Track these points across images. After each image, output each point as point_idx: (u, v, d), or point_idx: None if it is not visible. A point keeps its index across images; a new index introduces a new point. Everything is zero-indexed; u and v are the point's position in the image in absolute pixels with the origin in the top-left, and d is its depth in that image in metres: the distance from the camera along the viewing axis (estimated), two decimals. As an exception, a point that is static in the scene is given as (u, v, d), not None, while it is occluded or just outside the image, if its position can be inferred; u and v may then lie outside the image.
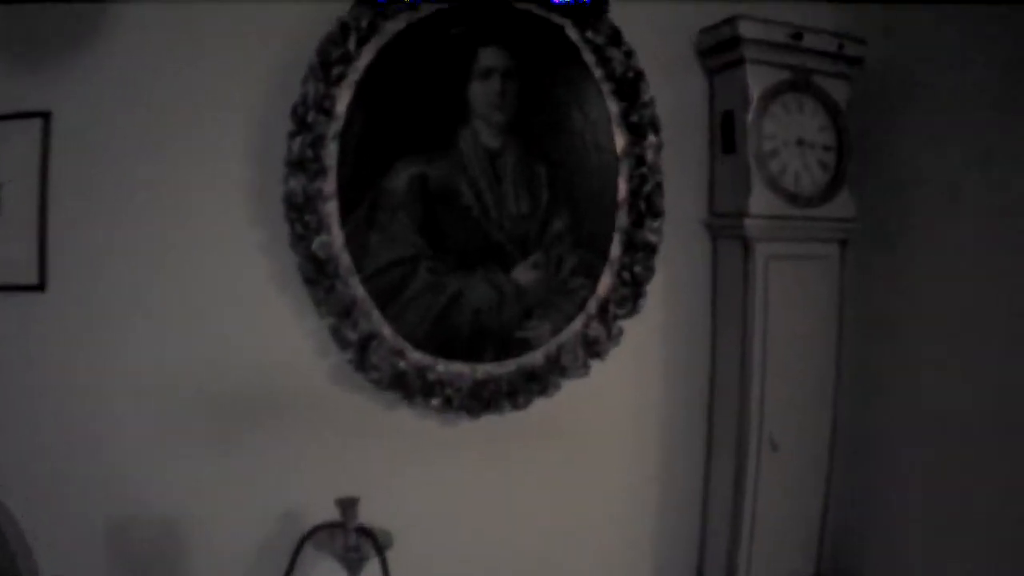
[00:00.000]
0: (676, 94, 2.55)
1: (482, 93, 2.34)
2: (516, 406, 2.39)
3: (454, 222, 2.31)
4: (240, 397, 2.18)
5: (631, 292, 2.46)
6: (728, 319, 2.53)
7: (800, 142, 2.50)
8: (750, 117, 2.44)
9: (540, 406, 2.41)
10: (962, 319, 2.37)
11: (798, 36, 2.48)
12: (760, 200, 2.43)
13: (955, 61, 2.44)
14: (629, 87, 2.46)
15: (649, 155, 2.46)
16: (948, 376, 2.40)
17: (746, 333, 2.43)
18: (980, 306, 2.32)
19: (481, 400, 2.36)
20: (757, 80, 2.46)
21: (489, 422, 2.37)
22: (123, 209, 2.10)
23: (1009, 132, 2.27)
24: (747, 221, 2.41)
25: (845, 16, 2.70)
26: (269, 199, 2.17)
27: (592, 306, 2.44)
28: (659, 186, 2.47)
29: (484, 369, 2.37)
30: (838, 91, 2.56)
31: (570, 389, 2.43)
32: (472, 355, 2.36)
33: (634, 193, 2.46)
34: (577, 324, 2.42)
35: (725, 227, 2.52)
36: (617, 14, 2.44)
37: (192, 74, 2.13)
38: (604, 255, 2.45)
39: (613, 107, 2.46)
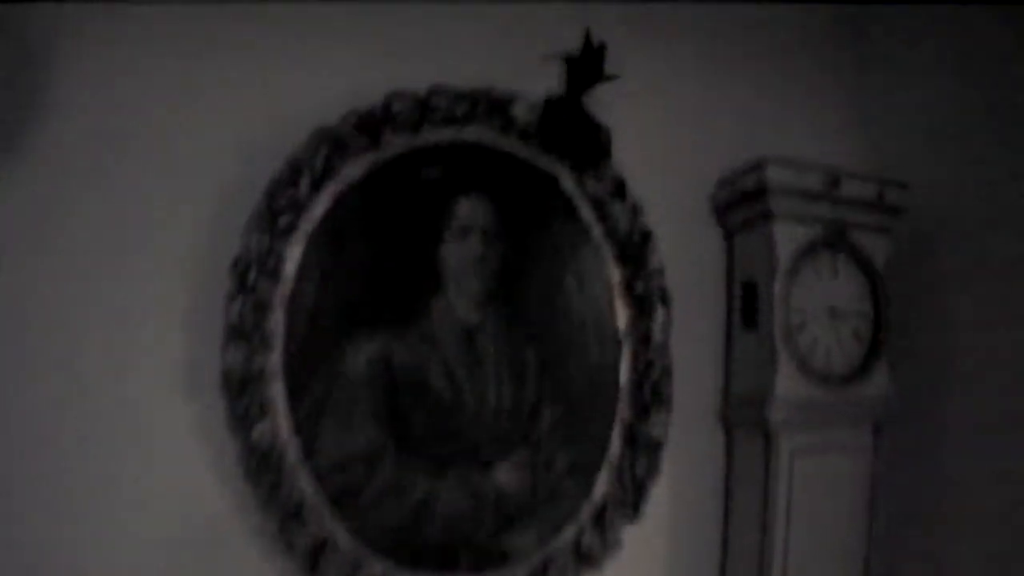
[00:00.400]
0: (688, 259, 2.18)
1: (458, 255, 1.97)
2: None
3: (423, 413, 1.94)
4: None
5: (632, 495, 2.10)
6: (743, 524, 2.18)
7: (832, 312, 2.13)
8: (778, 286, 2.07)
9: None
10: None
11: (835, 183, 2.10)
12: (787, 381, 2.05)
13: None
14: (635, 250, 2.09)
15: (657, 334, 2.09)
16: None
17: (765, 540, 2.08)
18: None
19: None
20: (787, 239, 2.08)
21: None
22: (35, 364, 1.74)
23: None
24: (771, 408, 2.05)
25: (883, 154, 2.32)
26: (207, 372, 1.81)
27: (586, 512, 2.08)
28: (667, 371, 2.11)
29: None
30: (877, 248, 2.18)
31: (559, 606, 2.09)
32: (445, 568, 1.99)
33: (638, 380, 2.09)
34: (568, 533, 2.06)
35: (743, 416, 2.16)
36: (624, 160, 2.05)
37: (120, 205, 1.79)
38: (602, 453, 2.08)
39: (615, 274, 2.09)
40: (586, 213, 2.07)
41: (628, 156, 2.08)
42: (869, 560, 2.21)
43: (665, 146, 2.18)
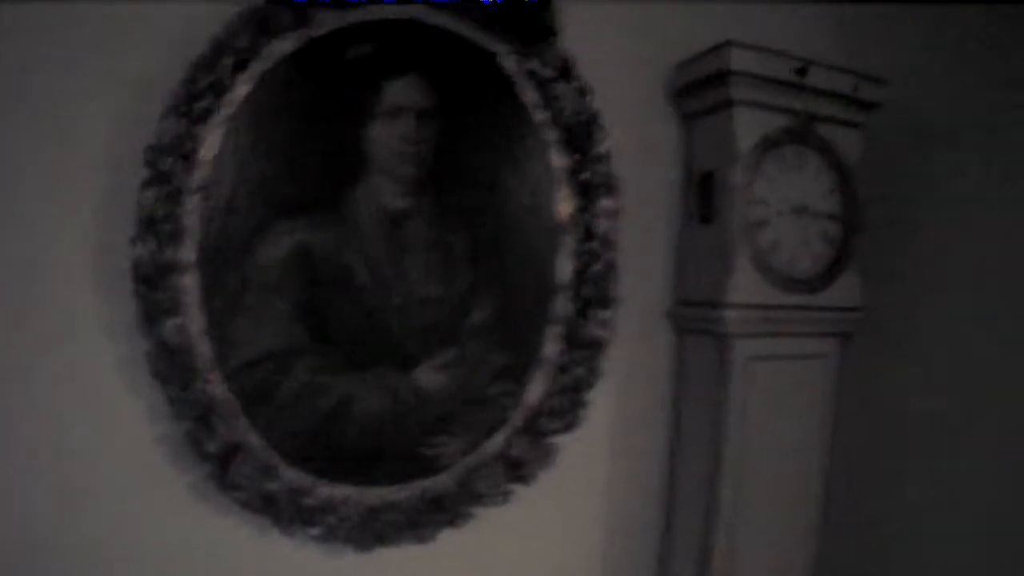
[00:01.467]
0: (642, 146, 1.99)
1: (387, 137, 1.79)
2: (419, 539, 1.88)
3: (343, 307, 1.76)
4: (73, 517, 1.67)
5: (570, 401, 1.92)
6: (695, 436, 1.99)
7: (799, 210, 1.94)
8: (737, 177, 1.88)
9: (449, 540, 1.89)
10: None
11: (802, 71, 1.91)
12: (744, 284, 1.87)
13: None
14: (580, 135, 1.91)
15: (601, 225, 1.91)
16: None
17: (717, 454, 1.89)
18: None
19: (373, 532, 1.84)
20: (749, 128, 1.89)
21: (384, 558, 1.86)
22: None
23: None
24: (726, 312, 1.86)
25: (861, 46, 2.13)
26: (118, 267, 1.64)
27: (517, 418, 1.90)
28: (612, 266, 1.92)
29: (378, 494, 1.84)
30: (849, 144, 1.99)
31: (487, 520, 1.91)
32: (363, 476, 1.83)
33: (580, 274, 1.91)
34: (497, 441, 1.89)
35: (696, 319, 1.97)
36: (572, 38, 1.88)
37: (32, 97, 1.61)
38: (536, 353, 1.90)
39: (559, 161, 1.91)
40: (529, 95, 1.89)
41: (579, 34, 1.90)
42: (829, 475, 2.02)
43: (620, 25, 1.98)
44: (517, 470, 1.91)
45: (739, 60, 1.86)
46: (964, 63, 2.09)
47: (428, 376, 1.85)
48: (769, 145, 1.91)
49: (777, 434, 1.93)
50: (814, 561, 2.02)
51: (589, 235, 1.91)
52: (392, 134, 1.80)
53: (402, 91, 1.82)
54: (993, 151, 2.02)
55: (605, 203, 1.90)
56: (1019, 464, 1.96)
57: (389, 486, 1.85)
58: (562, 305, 1.91)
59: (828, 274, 1.96)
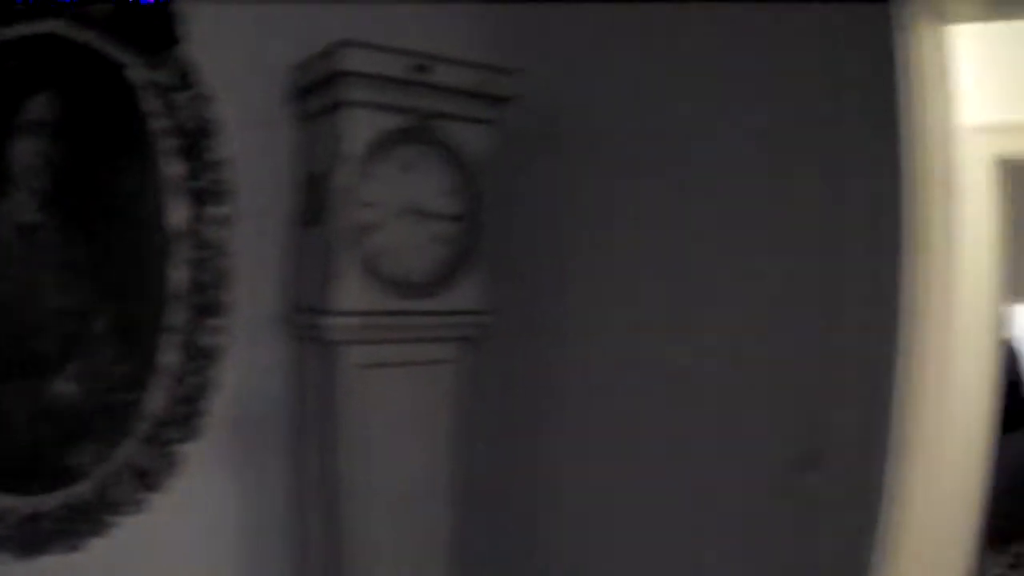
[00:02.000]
0: (262, 151, 1.97)
1: (25, 153, 1.84)
2: (72, 548, 1.90)
3: (-18, 319, 1.83)
4: None
5: (188, 410, 1.92)
6: (314, 445, 1.95)
7: (416, 211, 1.88)
8: (341, 179, 1.83)
9: (97, 549, 1.90)
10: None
11: (422, 68, 1.85)
12: (350, 289, 1.82)
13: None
14: (196, 143, 1.91)
15: (213, 232, 1.91)
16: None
17: (334, 463, 1.86)
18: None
19: (31, 540, 1.87)
20: (359, 128, 1.84)
21: (46, 565, 1.88)
22: None
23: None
24: (331, 319, 1.83)
25: (501, 41, 2.05)
26: None
27: (141, 428, 1.91)
28: (224, 273, 1.91)
29: (31, 503, 1.86)
30: (475, 142, 1.91)
31: (128, 529, 1.92)
32: (19, 485, 1.85)
33: (193, 283, 1.91)
34: (124, 451, 1.91)
35: (307, 326, 1.93)
36: (198, 44, 1.89)
37: None
38: (152, 363, 1.92)
39: (175, 169, 1.91)
40: (150, 104, 1.89)
41: (204, 40, 1.88)
42: (462, 480, 1.95)
43: (245, 28, 1.94)
44: (145, 479, 1.93)
45: (351, 60, 1.82)
46: (605, 56, 1.99)
47: (62, 386, 1.88)
48: (383, 146, 1.86)
49: (400, 441, 1.88)
50: (451, 562, 1.96)
51: (202, 243, 1.90)
52: (29, 150, 1.85)
53: (39, 107, 1.86)
54: (631, 146, 1.93)
55: (216, 210, 1.90)
56: (669, 461, 1.90)
57: (40, 495, 1.88)
58: (176, 314, 1.91)
59: (448, 277, 1.89)
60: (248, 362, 1.97)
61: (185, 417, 1.92)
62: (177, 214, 1.91)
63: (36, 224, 1.84)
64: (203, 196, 1.91)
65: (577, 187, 2.03)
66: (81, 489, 1.90)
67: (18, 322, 1.83)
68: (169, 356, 1.92)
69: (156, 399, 1.92)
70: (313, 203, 1.92)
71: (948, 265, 1.81)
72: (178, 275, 1.91)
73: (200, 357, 1.92)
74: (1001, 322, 4.57)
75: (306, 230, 1.95)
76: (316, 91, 1.93)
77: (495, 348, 2.01)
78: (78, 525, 1.90)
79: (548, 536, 2.13)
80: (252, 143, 1.95)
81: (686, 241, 1.88)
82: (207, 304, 1.92)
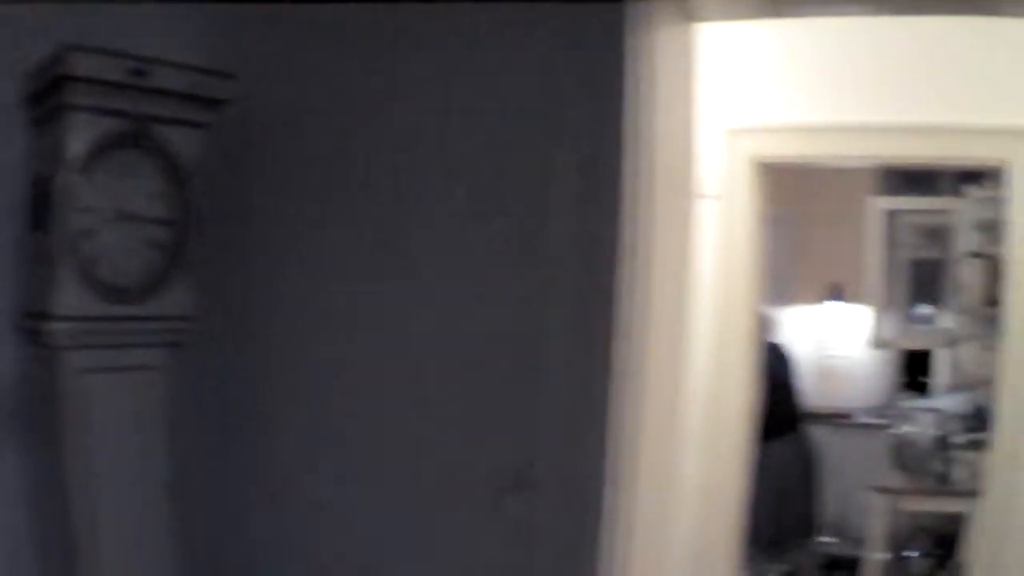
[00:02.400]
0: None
1: None
2: None
3: None
4: None
5: None
6: (47, 444, 1.91)
7: (129, 216, 1.90)
8: (63, 183, 1.78)
9: None
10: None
11: (140, 72, 1.85)
12: (68, 295, 1.80)
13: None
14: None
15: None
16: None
17: (64, 470, 1.86)
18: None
19: None
20: (80, 133, 1.81)
21: None
22: None
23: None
24: (52, 324, 1.79)
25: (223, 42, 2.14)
26: None
27: None
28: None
29: None
30: (188, 145, 1.98)
31: None
32: None
33: None
34: None
35: (33, 331, 1.88)
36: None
37: None
38: None
39: None
40: None
41: None
42: (174, 476, 2.06)
43: None
44: None
45: (73, 64, 1.76)
46: (319, 62, 2.16)
47: None
48: (102, 150, 1.83)
49: (121, 441, 1.93)
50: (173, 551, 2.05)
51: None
52: None
53: None
54: (343, 151, 2.12)
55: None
56: (379, 470, 2.07)
57: None
58: None
59: (157, 283, 1.95)
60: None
61: None
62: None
63: None
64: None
65: (290, 192, 2.15)
66: None
67: None
68: None
69: None
70: (39, 208, 1.83)
71: (683, 272, 1.88)
72: None
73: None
74: (764, 326, 4.17)
75: (33, 235, 1.85)
76: (44, 96, 1.85)
77: (210, 350, 2.09)
78: None
79: (263, 527, 2.22)
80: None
81: (399, 249, 2.03)
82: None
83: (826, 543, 4.71)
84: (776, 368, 4.30)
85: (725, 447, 3.10)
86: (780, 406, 4.18)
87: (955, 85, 2.90)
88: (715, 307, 3.03)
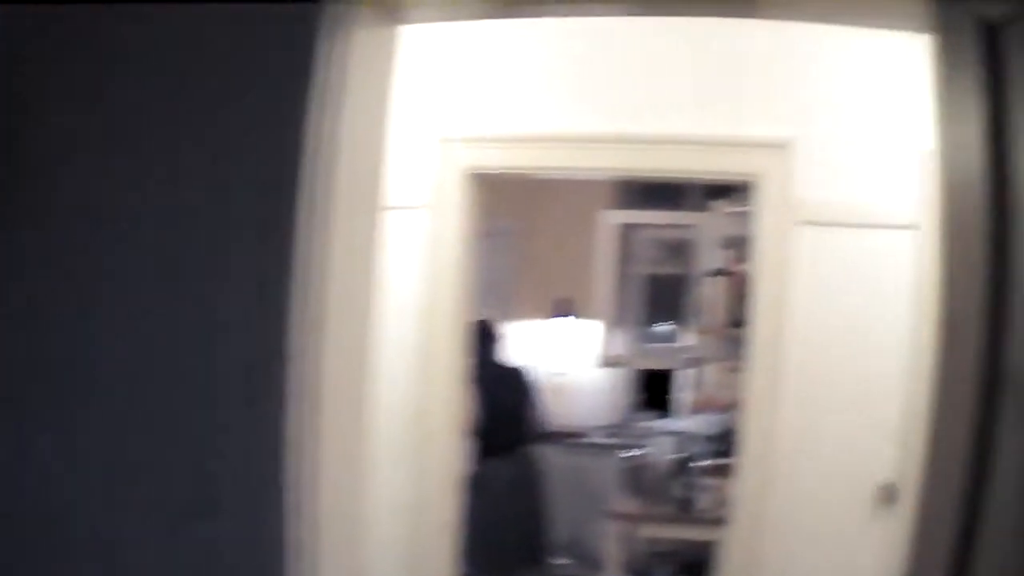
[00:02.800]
0: None
1: None
2: None
3: None
4: None
5: None
6: None
7: None
8: None
9: None
10: None
11: None
12: None
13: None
14: None
15: None
16: None
17: None
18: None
19: None
20: None
21: None
22: None
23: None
24: None
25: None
26: None
27: None
28: None
29: None
30: None
31: None
32: None
33: None
34: None
35: None
36: None
37: None
38: None
39: None
40: None
41: None
42: None
43: None
44: None
45: None
46: None
47: None
48: None
49: None
50: None
51: None
52: None
53: None
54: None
55: None
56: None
57: None
58: None
59: None
60: None
61: None
62: None
63: None
64: None
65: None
66: None
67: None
68: None
69: None
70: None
71: (366, 289, 1.75)
72: None
73: None
74: (488, 341, 4.19)
75: None
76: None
77: None
78: None
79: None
80: None
81: (78, 257, 1.61)
82: None
83: (560, 566, 4.50)
84: (502, 385, 4.13)
85: (434, 463, 2.90)
86: (503, 424, 4.01)
87: (700, 95, 2.76)
88: (421, 322, 2.88)
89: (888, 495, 2.58)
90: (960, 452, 1.04)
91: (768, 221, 2.76)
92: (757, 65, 2.72)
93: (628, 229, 5.19)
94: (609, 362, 5.02)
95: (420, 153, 2.86)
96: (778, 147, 2.70)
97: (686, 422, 4.35)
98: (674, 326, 5.11)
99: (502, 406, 4.02)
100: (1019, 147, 0.99)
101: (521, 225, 5.40)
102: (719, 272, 3.59)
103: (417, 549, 2.90)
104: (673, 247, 5.13)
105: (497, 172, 2.98)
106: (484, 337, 4.11)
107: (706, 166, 2.82)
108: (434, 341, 2.89)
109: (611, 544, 3.70)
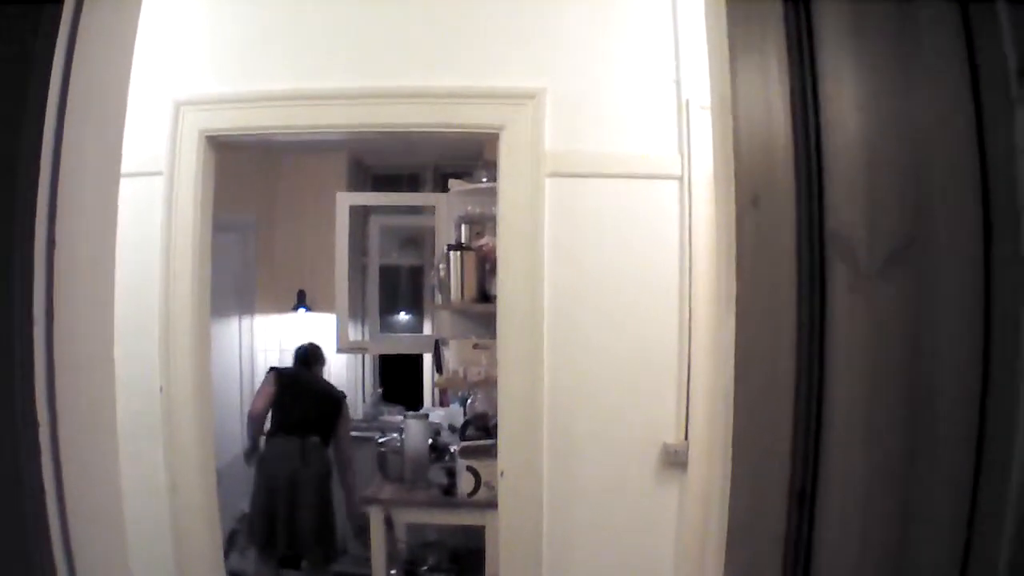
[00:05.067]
0: None
1: None
2: None
3: None
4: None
5: None
6: None
7: None
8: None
9: None
10: None
11: None
12: None
13: None
14: None
15: None
16: None
17: None
18: None
19: None
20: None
21: None
22: None
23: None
24: None
25: None
26: None
27: None
28: None
29: None
30: None
31: None
32: None
33: None
34: None
35: None
36: None
37: None
38: None
39: None
40: None
41: None
42: None
43: None
44: None
45: None
46: None
47: None
48: None
49: None
50: None
51: None
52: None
53: None
54: None
55: None
56: None
57: None
58: None
59: None
60: None
61: None
62: None
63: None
64: None
65: None
66: None
67: None
68: None
69: None
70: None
71: (106, 257, 1.59)
72: None
73: None
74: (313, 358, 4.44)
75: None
76: None
77: None
78: None
79: None
80: None
81: None
82: None
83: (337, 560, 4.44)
84: (307, 390, 4.34)
85: (185, 441, 2.80)
86: (297, 413, 4.18)
87: (441, 46, 2.65)
88: (162, 292, 2.77)
89: (671, 456, 2.58)
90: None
91: (510, 176, 2.66)
92: (505, 12, 2.63)
93: (367, 218, 5.12)
94: (347, 348, 4.90)
95: (155, 118, 2.68)
96: (526, 97, 2.61)
97: (440, 410, 4.33)
98: (414, 311, 5.12)
99: (299, 402, 4.21)
100: (828, 95, 0.96)
101: (258, 214, 5.40)
102: (459, 247, 3.48)
103: (180, 524, 2.79)
104: (410, 231, 5.08)
105: (234, 134, 2.83)
106: (309, 358, 4.45)
107: (450, 119, 2.68)
108: (172, 311, 2.77)
109: (373, 533, 3.52)
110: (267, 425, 4.19)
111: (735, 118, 1.05)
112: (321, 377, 4.53)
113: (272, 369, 4.42)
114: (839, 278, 0.95)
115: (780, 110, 1.00)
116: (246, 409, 4.49)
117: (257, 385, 4.55)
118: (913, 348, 0.91)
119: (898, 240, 0.90)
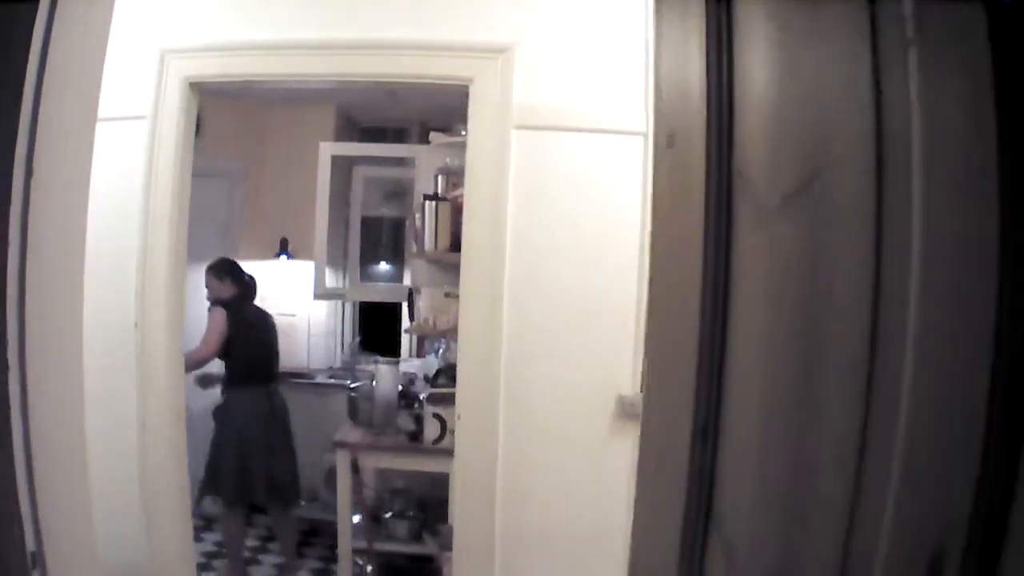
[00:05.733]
0: None
1: None
2: None
3: None
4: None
5: None
6: None
7: None
8: None
9: None
10: None
11: None
12: None
13: None
14: None
15: None
16: None
17: None
18: None
19: None
20: None
21: None
22: None
23: None
24: None
25: None
26: None
27: None
28: None
29: None
30: None
31: None
32: None
33: None
34: None
35: None
36: None
37: None
38: None
39: None
40: None
41: None
42: None
43: None
44: None
45: None
46: None
47: None
48: None
49: None
50: None
51: None
52: None
53: None
54: None
55: None
56: None
57: None
58: None
59: None
60: None
61: None
62: None
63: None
64: None
65: None
66: None
67: None
68: None
69: None
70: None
71: (82, 196, 1.54)
72: None
73: None
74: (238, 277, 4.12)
75: None
76: None
77: None
78: None
79: None
80: None
81: None
82: None
83: (302, 507, 4.41)
84: (253, 322, 4.09)
85: (157, 378, 2.83)
86: (254, 359, 4.01)
87: (419, 4, 2.69)
88: (140, 236, 2.82)
89: (627, 408, 2.59)
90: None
91: (483, 125, 2.69)
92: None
93: (350, 166, 5.11)
94: (325, 295, 4.90)
95: (141, 65, 2.76)
96: (497, 52, 2.65)
97: (417, 359, 4.31)
98: (395, 262, 5.12)
99: (254, 341, 4.01)
100: (741, 42, 0.97)
101: (246, 163, 5.38)
102: (435, 197, 3.49)
103: (148, 471, 2.83)
104: (394, 184, 5.08)
105: (217, 81, 2.92)
106: (234, 275, 4.07)
107: (422, 71, 2.72)
108: (147, 253, 2.80)
109: (341, 479, 3.56)
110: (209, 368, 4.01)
111: (656, 61, 1.07)
112: (261, 309, 4.24)
113: (219, 304, 3.98)
114: (743, 216, 0.97)
115: (696, 56, 1.02)
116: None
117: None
118: (809, 284, 0.93)
119: (798, 179, 0.92)
